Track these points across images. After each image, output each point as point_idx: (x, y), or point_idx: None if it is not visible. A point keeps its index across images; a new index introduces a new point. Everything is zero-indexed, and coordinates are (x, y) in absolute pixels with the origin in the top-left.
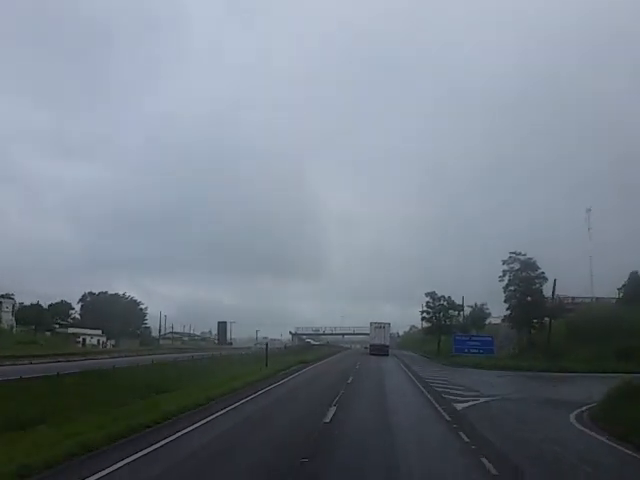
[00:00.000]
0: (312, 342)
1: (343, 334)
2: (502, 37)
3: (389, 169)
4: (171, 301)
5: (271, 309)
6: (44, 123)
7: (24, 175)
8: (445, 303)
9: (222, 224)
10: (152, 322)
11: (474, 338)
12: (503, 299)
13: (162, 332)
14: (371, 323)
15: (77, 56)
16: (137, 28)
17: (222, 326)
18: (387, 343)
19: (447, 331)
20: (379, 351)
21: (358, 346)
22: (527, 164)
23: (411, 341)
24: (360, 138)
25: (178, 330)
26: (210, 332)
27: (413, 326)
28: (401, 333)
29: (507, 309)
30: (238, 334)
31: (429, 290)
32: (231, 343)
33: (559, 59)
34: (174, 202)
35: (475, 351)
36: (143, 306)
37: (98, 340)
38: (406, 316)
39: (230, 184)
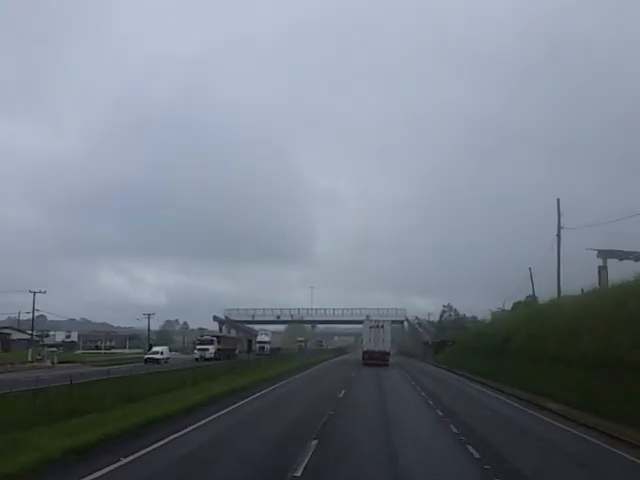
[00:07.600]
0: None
1: (312, 322)
2: None
3: (378, 150)
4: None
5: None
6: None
7: None
8: None
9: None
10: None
11: None
12: None
13: None
14: (365, 321)
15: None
16: None
17: None
18: (387, 349)
19: None
20: (376, 360)
21: (347, 342)
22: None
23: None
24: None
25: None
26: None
27: (435, 313)
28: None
29: None
30: (208, 323)
31: None
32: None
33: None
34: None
35: None
36: None
37: None
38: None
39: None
